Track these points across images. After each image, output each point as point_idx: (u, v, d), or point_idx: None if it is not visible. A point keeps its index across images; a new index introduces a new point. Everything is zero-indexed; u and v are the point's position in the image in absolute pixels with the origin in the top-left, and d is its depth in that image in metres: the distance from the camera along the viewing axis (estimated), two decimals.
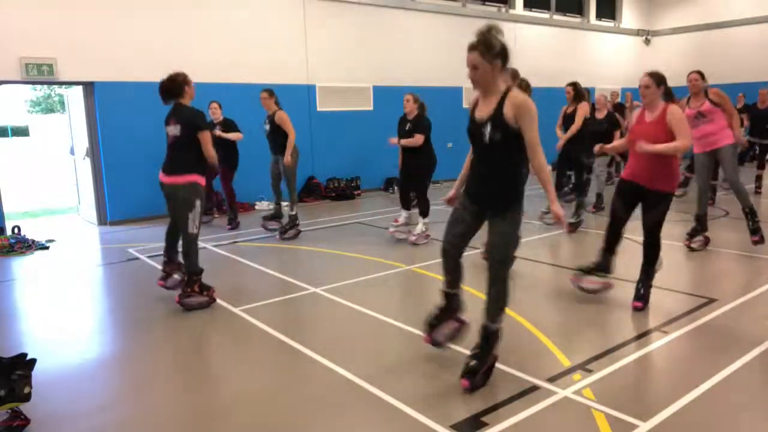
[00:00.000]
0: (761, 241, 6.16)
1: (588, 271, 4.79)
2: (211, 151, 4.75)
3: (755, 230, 6.21)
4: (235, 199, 8.58)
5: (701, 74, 6.07)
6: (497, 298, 3.33)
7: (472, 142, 3.29)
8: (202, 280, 4.94)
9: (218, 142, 8.14)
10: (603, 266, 4.75)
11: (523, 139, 3.10)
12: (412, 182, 7.12)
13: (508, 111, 3.07)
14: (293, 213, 7.54)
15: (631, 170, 4.54)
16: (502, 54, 3.09)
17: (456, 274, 3.60)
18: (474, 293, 4.83)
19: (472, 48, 3.08)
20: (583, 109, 7.52)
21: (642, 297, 4.58)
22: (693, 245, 6.29)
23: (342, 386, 3.50)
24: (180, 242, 4.96)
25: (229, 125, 8.27)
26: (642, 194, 4.46)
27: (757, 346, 3.84)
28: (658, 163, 4.34)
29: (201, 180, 4.78)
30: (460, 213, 3.43)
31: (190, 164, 4.72)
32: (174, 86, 4.78)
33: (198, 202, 4.73)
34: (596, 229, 7.55)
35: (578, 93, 7.63)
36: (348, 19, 11.33)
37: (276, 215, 7.76)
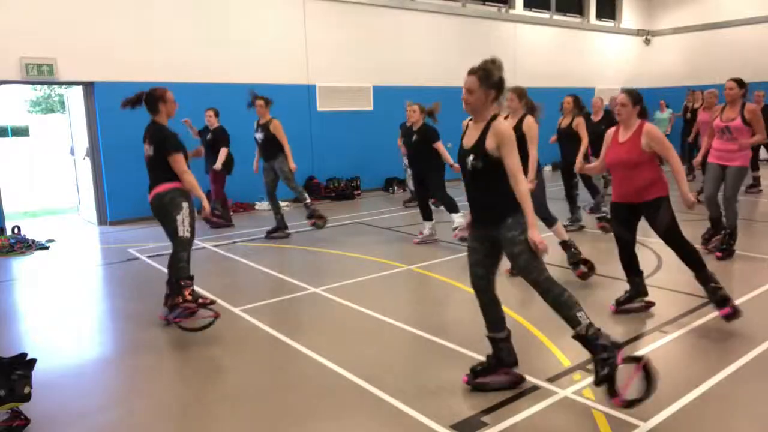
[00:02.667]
0: (722, 258, 5.97)
1: (624, 302, 4.60)
2: (184, 175, 4.44)
3: (726, 249, 6.03)
4: (225, 202, 8.59)
5: (738, 82, 5.84)
6: (558, 306, 3.13)
7: (460, 165, 3.31)
8: (195, 289, 4.57)
9: (211, 147, 8.15)
10: (636, 293, 4.58)
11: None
12: (427, 188, 7.11)
13: (489, 140, 3.11)
14: (308, 201, 7.66)
15: (617, 192, 4.46)
16: (498, 86, 3.15)
17: (491, 314, 3.38)
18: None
19: (471, 72, 3.16)
20: (582, 124, 7.44)
21: (720, 302, 4.22)
22: (710, 247, 6.16)
23: (342, 386, 3.50)
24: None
25: (219, 134, 8.23)
26: (637, 210, 4.38)
27: (757, 346, 3.84)
28: (639, 179, 4.26)
29: (182, 187, 4.50)
30: (471, 242, 3.41)
31: (170, 177, 4.47)
32: (149, 102, 4.53)
33: (185, 204, 4.47)
34: (596, 230, 7.55)
35: (578, 105, 7.56)
36: (348, 19, 11.33)
37: (279, 226, 7.72)
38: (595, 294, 5.10)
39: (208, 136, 8.29)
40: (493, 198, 3.20)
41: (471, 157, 3.19)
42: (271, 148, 7.35)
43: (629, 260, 4.55)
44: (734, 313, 4.16)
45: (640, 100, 4.33)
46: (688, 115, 11.69)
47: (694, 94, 11.90)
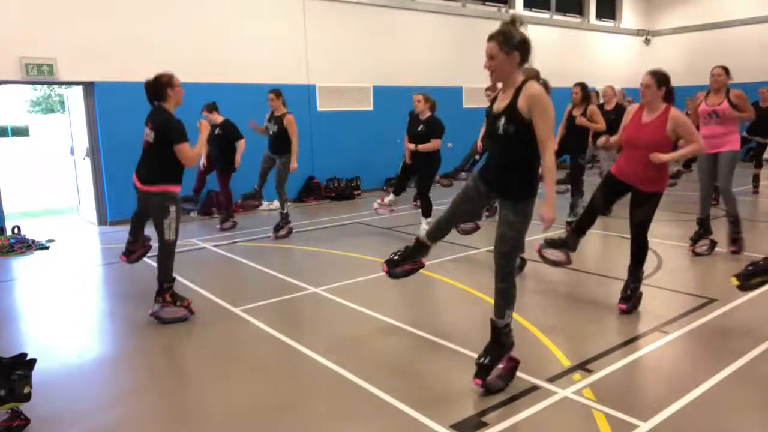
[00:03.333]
0: (738, 251, 6.04)
1: (554, 244, 4.60)
2: (189, 162, 4.43)
3: (735, 240, 6.09)
4: (230, 201, 8.50)
5: (725, 69, 5.87)
6: (504, 293, 3.31)
7: (489, 132, 3.24)
8: (175, 290, 4.69)
9: (217, 143, 8.11)
10: (569, 244, 4.58)
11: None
12: (416, 179, 7.17)
13: (522, 103, 3.01)
14: (285, 212, 7.60)
15: (620, 168, 4.43)
16: (521, 47, 3.02)
17: (442, 235, 3.69)
18: (472, 292, 4.82)
19: (490, 38, 3.05)
20: (597, 112, 7.48)
21: (628, 299, 4.48)
22: (697, 250, 6.12)
23: (342, 386, 3.50)
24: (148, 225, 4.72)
25: (230, 128, 8.11)
26: (628, 191, 4.40)
27: (757, 346, 3.84)
28: (651, 167, 4.24)
29: (175, 189, 4.53)
30: (471, 192, 3.38)
31: (165, 174, 4.45)
32: (155, 87, 4.45)
33: (173, 208, 4.48)
34: (597, 230, 7.54)
35: (586, 94, 7.57)
36: (348, 19, 11.33)
37: (254, 195, 7.71)
38: (599, 294, 5.10)
39: (217, 131, 8.03)
40: (517, 175, 3.13)
41: (503, 120, 3.07)
42: (280, 142, 7.25)
43: (588, 223, 4.57)
44: (630, 311, 4.48)
45: (666, 82, 4.26)
46: None
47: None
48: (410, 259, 3.78)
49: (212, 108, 8.26)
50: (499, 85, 3.27)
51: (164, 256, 4.61)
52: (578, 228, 4.59)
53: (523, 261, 5.57)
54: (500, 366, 3.37)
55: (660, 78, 4.26)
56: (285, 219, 7.63)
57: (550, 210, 3.07)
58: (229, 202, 8.48)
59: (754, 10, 15.36)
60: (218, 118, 8.19)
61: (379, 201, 7.53)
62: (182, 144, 4.38)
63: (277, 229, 7.62)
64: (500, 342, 3.37)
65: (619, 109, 8.48)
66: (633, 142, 4.36)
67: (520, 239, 3.22)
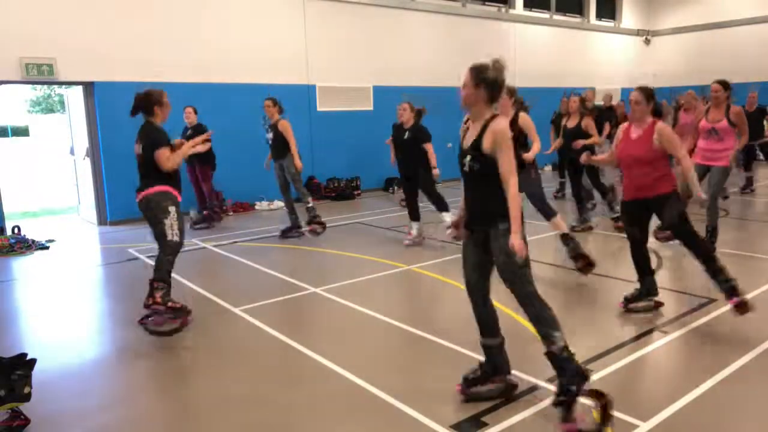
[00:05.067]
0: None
1: (632, 300, 4.58)
2: (167, 166, 4.42)
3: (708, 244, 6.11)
4: (214, 199, 8.56)
5: (724, 84, 5.92)
6: (536, 318, 3.09)
7: (460, 166, 3.23)
8: (174, 301, 4.50)
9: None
10: (646, 291, 4.56)
11: None
12: (415, 185, 7.07)
13: (486, 140, 3.04)
14: (310, 205, 7.57)
15: (628, 189, 4.46)
16: (490, 85, 3.04)
17: (485, 320, 3.30)
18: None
19: (468, 68, 3.10)
20: (593, 125, 7.41)
21: (729, 291, 4.23)
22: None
23: (342, 386, 3.50)
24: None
25: (200, 131, 7.86)
26: (647, 206, 4.37)
27: (756, 346, 3.84)
28: (650, 175, 4.27)
29: (173, 191, 4.50)
30: (465, 246, 3.33)
31: (160, 177, 4.46)
32: (144, 103, 4.51)
33: (173, 208, 4.44)
34: (598, 230, 7.55)
35: (583, 105, 7.53)
36: (348, 19, 11.33)
37: (293, 226, 7.69)
38: (600, 294, 5.10)
39: (188, 133, 8.12)
40: (488, 201, 3.12)
41: (468, 158, 3.13)
42: (280, 147, 7.35)
43: (641, 259, 4.53)
44: (744, 305, 4.15)
45: (653, 96, 4.33)
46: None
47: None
48: (485, 375, 3.33)
49: (195, 110, 8.36)
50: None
51: (167, 254, 4.44)
52: (640, 269, 4.53)
53: (591, 262, 5.41)
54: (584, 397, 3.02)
55: (648, 94, 4.33)
56: (313, 212, 7.59)
57: (516, 238, 2.95)
58: (212, 200, 8.50)
59: (754, 10, 15.37)
60: (194, 120, 8.30)
61: (407, 239, 7.18)
62: (160, 149, 4.40)
63: (309, 223, 7.60)
64: (564, 373, 3.03)
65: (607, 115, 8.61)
66: (626, 159, 4.41)
67: (520, 260, 3.03)
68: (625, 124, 4.58)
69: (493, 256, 3.13)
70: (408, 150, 6.95)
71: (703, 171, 6.05)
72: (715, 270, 4.27)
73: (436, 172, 6.84)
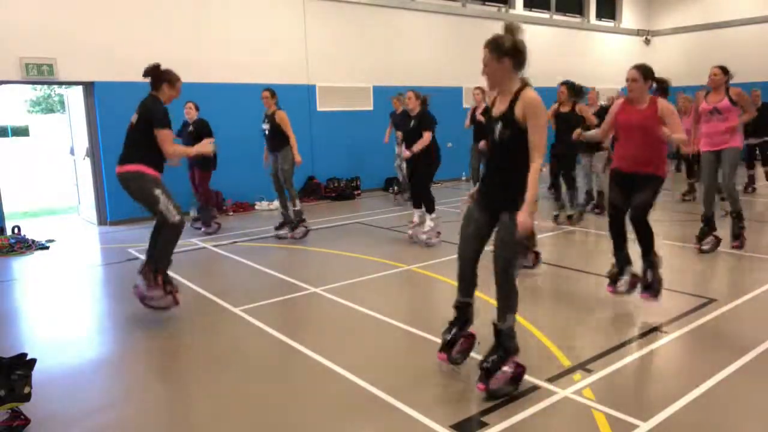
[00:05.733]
0: (740, 246, 6.12)
1: (613, 277, 4.65)
2: (168, 149, 4.39)
3: (737, 235, 6.17)
4: (212, 201, 8.44)
5: (723, 69, 5.92)
6: (506, 298, 3.27)
7: (486, 136, 3.27)
8: (168, 273, 4.67)
9: (190, 140, 7.99)
10: (623, 264, 4.62)
11: None
12: (416, 178, 7.12)
13: (518, 110, 3.06)
14: (297, 208, 7.48)
15: (620, 157, 4.48)
16: (513, 53, 3.05)
17: (469, 281, 3.48)
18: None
19: (484, 45, 3.11)
20: (586, 108, 7.54)
21: (650, 286, 4.43)
22: (704, 247, 6.15)
23: (342, 386, 3.50)
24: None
25: (201, 127, 8.00)
26: (634, 179, 4.40)
27: (756, 346, 3.84)
28: (648, 149, 4.30)
29: (152, 172, 4.42)
30: (470, 211, 3.39)
31: (142, 156, 4.38)
32: (153, 75, 4.48)
33: (158, 191, 4.38)
34: (597, 230, 7.55)
35: (573, 93, 7.60)
36: (348, 19, 11.33)
37: (286, 221, 7.64)
38: (599, 294, 5.10)
39: (190, 129, 8.03)
40: (512, 177, 3.14)
41: (499, 126, 3.11)
42: (276, 139, 7.23)
43: (619, 229, 4.54)
44: (655, 297, 4.42)
45: (651, 74, 4.34)
46: None
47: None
48: (458, 331, 3.53)
49: (197, 106, 8.15)
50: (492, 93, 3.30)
51: (171, 237, 4.48)
52: (617, 241, 4.58)
53: (537, 256, 5.66)
54: (506, 370, 3.27)
55: (645, 71, 4.32)
56: (299, 216, 7.52)
57: (525, 215, 3.03)
58: (210, 202, 8.38)
59: (754, 10, 15.36)
60: (194, 116, 8.11)
61: (410, 224, 7.24)
62: (163, 130, 4.36)
63: (292, 228, 7.51)
64: (504, 346, 3.31)
65: (603, 109, 8.67)
66: (629, 126, 4.39)
67: (519, 243, 3.21)
68: (618, 101, 4.58)
69: (499, 230, 3.21)
70: (415, 140, 6.89)
71: (713, 158, 5.96)
72: (650, 261, 4.46)
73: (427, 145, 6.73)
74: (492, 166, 3.30)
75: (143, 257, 5.50)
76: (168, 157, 4.46)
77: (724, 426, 3.00)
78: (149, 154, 4.42)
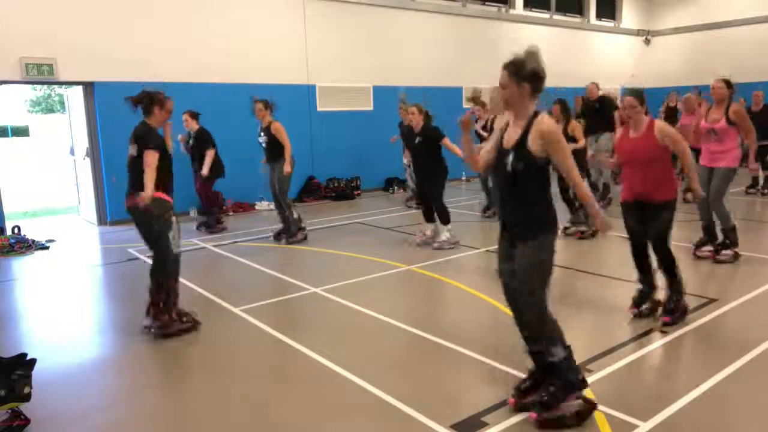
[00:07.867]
0: (724, 261, 5.97)
1: (639, 302, 4.55)
2: (148, 175, 4.16)
3: (718, 250, 6.03)
4: (215, 204, 8.36)
5: (727, 82, 5.82)
6: (539, 329, 3.06)
7: (495, 167, 3.11)
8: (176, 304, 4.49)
9: (192, 151, 7.99)
10: (648, 289, 4.55)
11: (547, 168, 2.99)
12: (427, 190, 6.98)
13: (532, 140, 2.92)
14: (295, 217, 7.39)
15: (629, 189, 4.47)
16: (532, 78, 2.93)
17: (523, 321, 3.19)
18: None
19: (503, 67, 2.99)
20: (579, 128, 7.35)
21: (671, 312, 4.34)
22: (698, 254, 6.11)
23: (342, 386, 3.50)
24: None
25: (202, 139, 7.93)
26: (644, 207, 4.38)
27: (756, 346, 3.84)
28: (653, 177, 4.28)
29: (166, 197, 4.33)
30: (501, 244, 3.21)
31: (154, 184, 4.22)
32: (145, 102, 4.38)
33: (174, 219, 4.34)
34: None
35: (566, 111, 7.47)
36: (348, 19, 11.33)
37: (285, 230, 7.50)
38: (599, 294, 5.10)
39: (190, 141, 8.01)
40: (527, 209, 3.01)
41: (511, 157, 2.96)
42: (274, 150, 7.13)
43: (641, 256, 4.50)
44: (673, 323, 4.28)
45: (644, 99, 4.37)
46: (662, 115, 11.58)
47: (671, 95, 12.03)
48: (536, 380, 3.21)
49: (195, 115, 8.07)
50: (503, 117, 3.17)
51: (167, 273, 4.39)
52: (641, 268, 4.52)
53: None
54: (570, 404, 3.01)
55: (641, 98, 4.36)
56: (297, 224, 7.42)
57: (598, 218, 3.12)
58: (213, 206, 8.31)
59: (754, 10, 15.35)
60: (195, 126, 8.04)
61: (420, 235, 7.09)
62: (153, 151, 4.23)
63: (291, 234, 7.39)
64: (560, 380, 3.03)
65: (603, 99, 8.94)
66: (631, 158, 4.40)
67: (535, 274, 3.03)
68: (619, 130, 4.62)
69: (517, 260, 3.05)
70: (421, 155, 6.82)
71: (706, 174, 5.95)
72: (674, 287, 4.39)
73: (459, 152, 6.27)
74: (504, 199, 3.13)
75: (142, 257, 5.51)
76: (145, 170, 4.22)
77: (724, 426, 3.00)
78: (159, 180, 4.28)
